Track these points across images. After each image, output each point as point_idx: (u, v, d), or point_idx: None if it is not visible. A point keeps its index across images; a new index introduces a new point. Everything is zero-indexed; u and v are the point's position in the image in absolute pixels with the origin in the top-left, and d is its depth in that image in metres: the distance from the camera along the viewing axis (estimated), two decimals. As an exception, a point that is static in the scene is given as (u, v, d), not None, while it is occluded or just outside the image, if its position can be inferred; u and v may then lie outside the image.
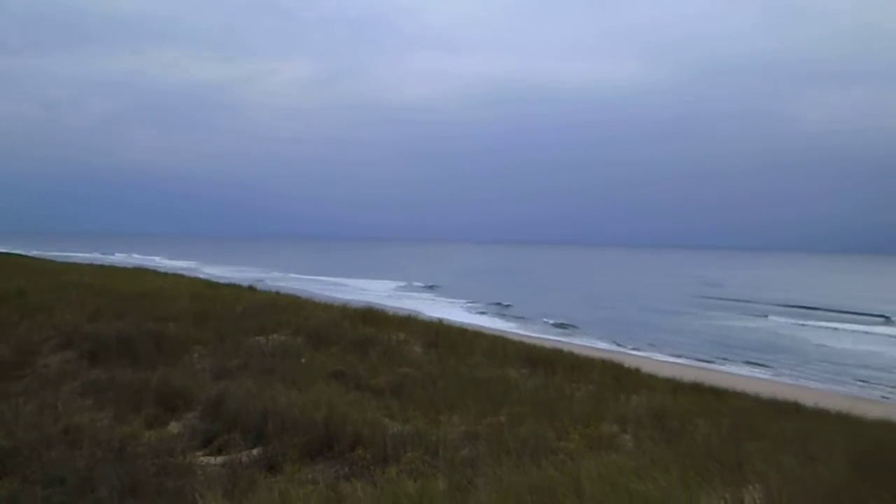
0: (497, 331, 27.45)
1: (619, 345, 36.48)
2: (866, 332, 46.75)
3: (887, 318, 54.90)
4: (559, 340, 31.77)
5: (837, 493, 4.43)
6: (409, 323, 20.55)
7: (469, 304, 57.05)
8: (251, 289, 27.46)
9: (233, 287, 28.13)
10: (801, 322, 51.61)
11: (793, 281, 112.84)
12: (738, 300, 68.21)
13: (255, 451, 8.62)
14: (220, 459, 8.49)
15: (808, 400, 16.31)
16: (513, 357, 17.50)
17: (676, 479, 4.87)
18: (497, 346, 18.77)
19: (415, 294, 66.39)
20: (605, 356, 21.07)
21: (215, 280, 35.58)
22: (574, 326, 44.00)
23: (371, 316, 20.65)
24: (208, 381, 11.94)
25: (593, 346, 33.08)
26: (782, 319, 52.86)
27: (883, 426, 13.35)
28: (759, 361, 33.38)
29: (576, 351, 21.05)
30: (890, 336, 45.11)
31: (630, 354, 29.72)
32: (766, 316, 55.18)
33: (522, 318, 47.12)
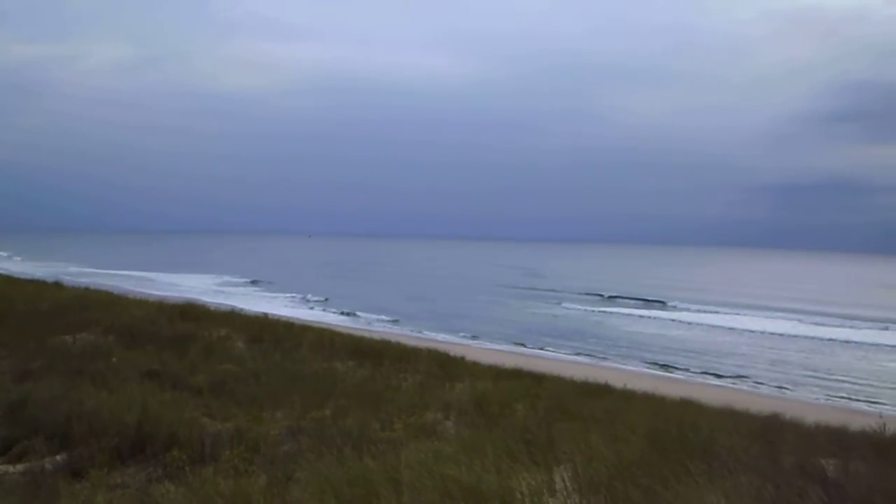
0: (325, 324, 27.23)
1: (445, 334, 37.26)
2: (651, 317, 50.72)
3: (663, 302, 60.26)
4: (387, 331, 32.04)
5: (631, 466, 4.77)
6: (232, 318, 19.96)
7: (297, 298, 56.20)
8: (58, 285, 25.56)
9: (37, 283, 26.03)
10: (599, 308, 55.27)
11: (606, 271, 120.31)
12: (551, 290, 71.72)
13: (59, 457, 8.04)
14: (20, 467, 7.86)
15: (618, 381, 17.40)
16: (340, 350, 17.43)
17: (491, 462, 5.04)
18: (324, 339, 18.62)
19: (239, 289, 64.33)
20: (432, 346, 21.47)
21: (18, 276, 32.79)
22: (401, 317, 44.55)
23: (190, 311, 19.85)
24: (8, 385, 11.01)
25: (420, 335, 33.57)
26: (577, 306, 56.15)
27: (682, 405, 14.51)
28: (572, 346, 35.24)
29: (403, 341, 21.31)
30: (670, 319, 49.11)
31: (456, 343, 30.43)
32: (559, 303, 58.49)
33: (350, 310, 47.08)
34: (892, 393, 26.71)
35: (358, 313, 45.94)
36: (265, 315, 22.62)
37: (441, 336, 35.55)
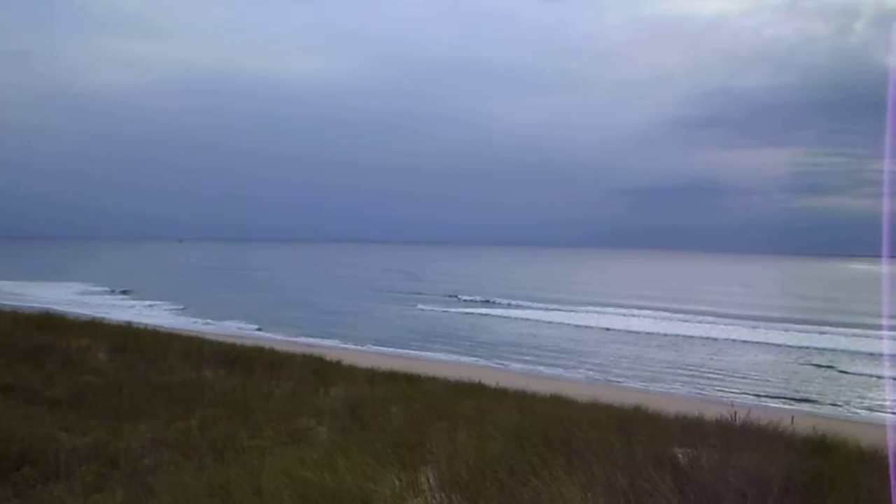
0: (194, 332, 26.36)
1: (322, 338, 36.84)
2: (524, 318, 52.09)
3: (535, 302, 62.28)
4: (260, 338, 31.36)
5: (492, 463, 4.89)
6: (94, 327, 19.02)
7: (163, 306, 54.02)
8: None
9: None
10: (475, 310, 56.24)
11: (482, 273, 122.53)
12: (429, 292, 72.39)
13: None
14: None
15: (491, 380, 17.75)
16: (210, 358, 16.94)
17: (357, 466, 5.03)
18: (193, 347, 18.05)
19: (102, 298, 61.11)
20: (308, 351, 21.22)
21: None
22: (275, 322, 43.71)
23: (48, 322, 18.77)
24: None
25: (296, 341, 33.04)
26: (455, 308, 57.00)
27: (551, 401, 14.96)
28: (450, 348, 35.66)
29: (277, 347, 20.95)
30: (542, 320, 50.56)
31: (333, 348, 30.15)
32: (415, 305, 59.09)
33: (220, 317, 45.73)
34: (744, 383, 28.50)
35: (228, 319, 44.67)
36: (129, 324, 21.67)
37: (317, 341, 35.12)
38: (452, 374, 19.06)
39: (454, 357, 32.52)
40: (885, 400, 26.16)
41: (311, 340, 34.93)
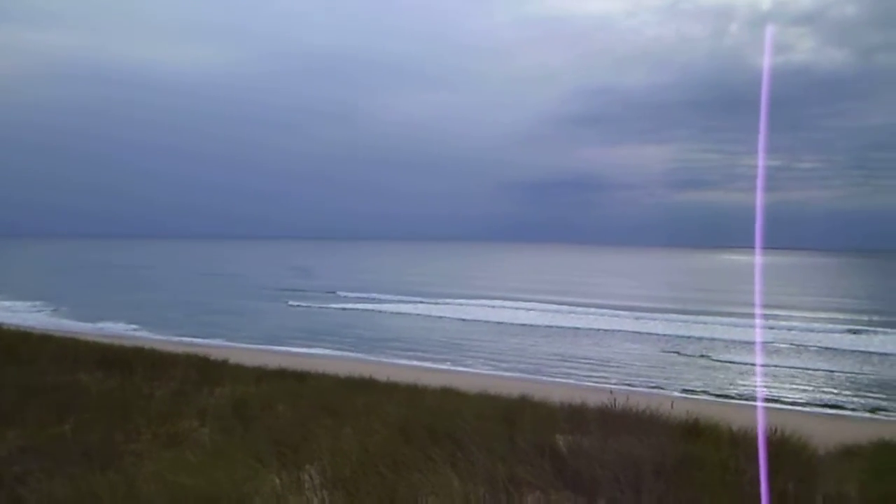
0: (69, 332, 25.10)
1: (206, 338, 35.81)
2: (416, 313, 52.33)
3: (427, 296, 62.77)
4: (142, 338, 30.21)
5: (376, 457, 4.89)
6: (-47, 330, 17.78)
7: (35, 307, 51.15)
8: None
9: None
10: (369, 306, 56.12)
11: (373, 268, 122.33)
12: (321, 289, 71.64)
13: None
14: None
15: (382, 375, 17.71)
16: (86, 360, 16.15)
17: (239, 466, 4.92)
18: (68, 349, 17.18)
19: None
20: (192, 351, 20.58)
21: None
22: (160, 321, 42.20)
23: None
24: None
25: (180, 341, 31.97)
26: (348, 305, 56.58)
27: (441, 393, 15.10)
28: (341, 343, 35.37)
29: (158, 347, 20.22)
30: (434, 314, 50.85)
31: (220, 347, 29.38)
32: (299, 302, 58.29)
33: (95, 318, 43.70)
34: (626, 372, 29.61)
35: (105, 320, 42.76)
36: (-3, 325, 20.42)
37: (201, 340, 34.10)
38: (343, 370, 18.88)
39: (345, 353, 32.28)
40: (755, 385, 27.71)
41: (194, 340, 33.88)
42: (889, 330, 44.03)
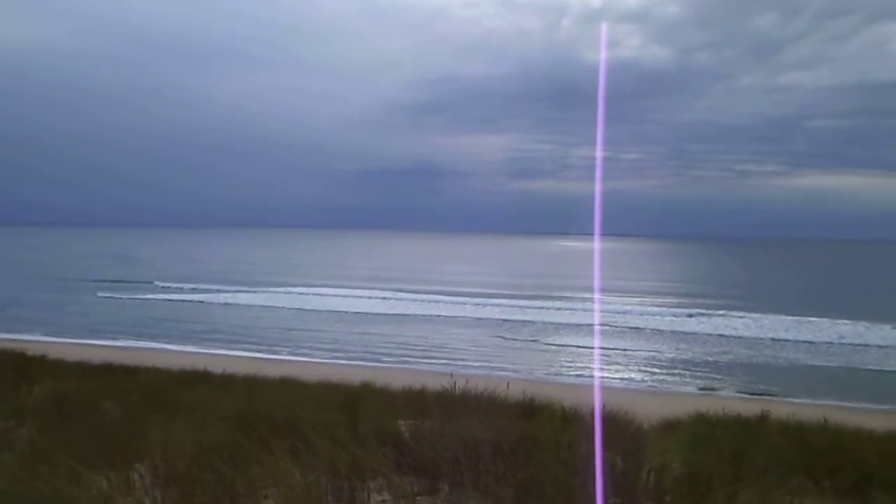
0: None
1: (19, 334, 33.16)
2: (248, 304, 51.19)
3: (260, 285, 61.64)
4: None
5: (211, 452, 4.71)
6: None
7: None
8: None
9: None
10: (189, 297, 54.10)
11: (198, 256, 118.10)
12: (143, 280, 68.33)
13: None
14: None
15: (217, 367, 17.13)
16: None
17: (62, 469, 4.58)
18: None
19: None
20: (5, 346, 19.07)
21: None
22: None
23: None
24: None
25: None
26: (167, 296, 53.87)
27: (281, 384, 14.84)
28: (169, 335, 33.83)
29: (-33, 344, 18.56)
30: (265, 304, 49.70)
31: (36, 341, 27.36)
32: (150, 292, 55.74)
33: None
34: (465, 355, 30.35)
35: None
36: None
37: (14, 336, 31.51)
38: (176, 363, 18.11)
39: (179, 347, 30.94)
40: (587, 366, 29.18)
41: (6, 336, 31.29)
42: (711, 312, 47.74)
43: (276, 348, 31.25)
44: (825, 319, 42.61)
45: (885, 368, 29.03)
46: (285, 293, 55.43)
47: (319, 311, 45.29)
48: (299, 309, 46.31)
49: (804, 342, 35.36)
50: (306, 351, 30.90)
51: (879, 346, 34.10)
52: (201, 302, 49.44)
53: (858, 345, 34.58)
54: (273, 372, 17.50)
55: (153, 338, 33.12)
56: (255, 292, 55.83)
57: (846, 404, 21.84)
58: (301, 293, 55.51)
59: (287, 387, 14.02)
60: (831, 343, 35.07)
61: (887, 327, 39.63)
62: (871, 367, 29.45)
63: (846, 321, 41.83)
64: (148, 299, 50.47)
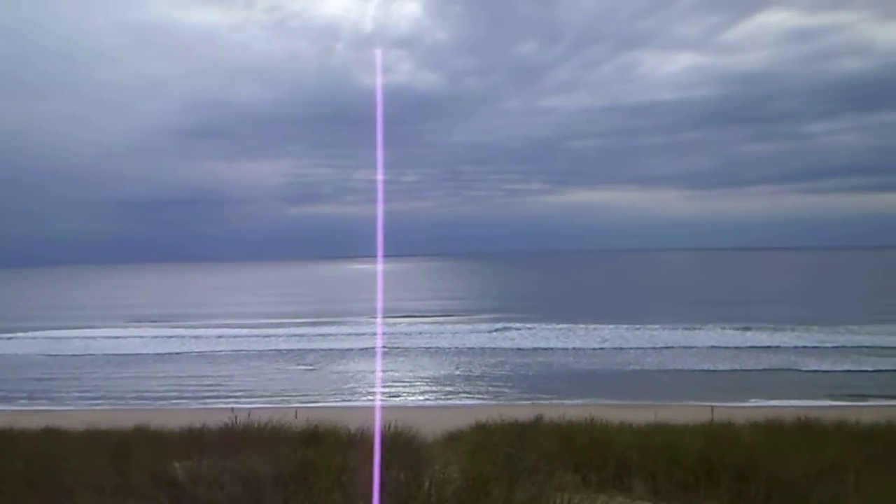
0: None
1: None
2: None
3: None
4: None
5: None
6: None
7: None
8: None
9: None
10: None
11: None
12: None
13: None
14: None
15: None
16: None
17: None
18: None
19: None
20: None
21: None
22: None
23: None
24: None
25: None
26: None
27: (44, 435, 13.57)
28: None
29: None
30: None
31: None
32: None
33: None
34: (246, 389, 29.46)
35: None
36: None
37: None
38: None
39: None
40: (373, 388, 29.37)
41: None
42: (488, 325, 49.90)
43: (35, 398, 28.46)
44: (592, 325, 46.16)
45: (644, 368, 31.97)
46: (44, 338, 50.54)
47: (83, 355, 41.72)
48: (58, 355, 42.35)
49: (573, 349, 38.06)
50: (70, 398, 28.41)
51: (638, 348, 37.51)
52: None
53: (619, 348, 37.81)
54: (32, 424, 15.95)
55: None
56: (6, 339, 50.46)
57: (611, 402, 23.80)
58: (61, 336, 50.80)
59: (49, 438, 12.85)
60: (597, 348, 38.04)
61: (642, 328, 43.80)
62: (632, 366, 32.32)
63: (609, 326, 45.62)
64: None
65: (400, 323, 53.13)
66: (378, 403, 25.40)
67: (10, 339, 50.38)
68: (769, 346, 36.72)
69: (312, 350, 40.76)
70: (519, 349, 38.62)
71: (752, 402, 23.61)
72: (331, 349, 40.83)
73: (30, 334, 52.62)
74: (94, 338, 49.67)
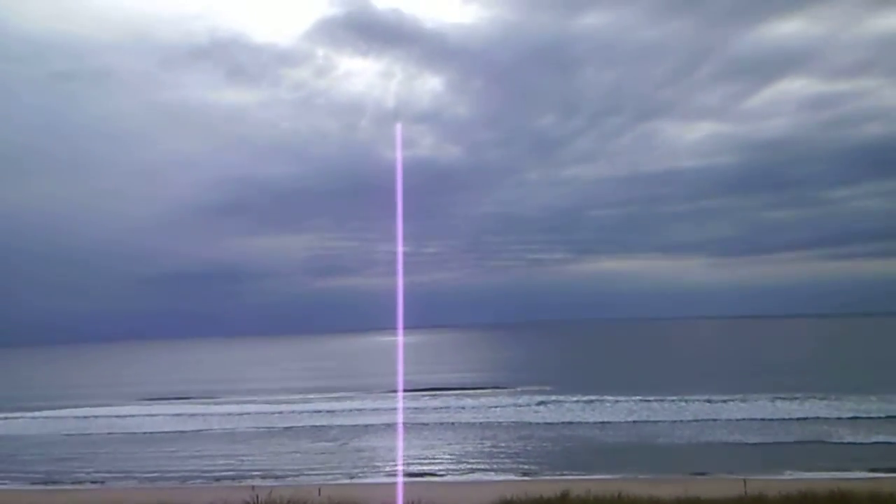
0: None
1: None
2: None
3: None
4: None
5: None
6: None
7: None
8: None
9: None
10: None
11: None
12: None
13: None
14: None
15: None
16: None
17: None
18: None
19: None
20: None
21: None
22: None
23: None
24: None
25: None
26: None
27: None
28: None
29: None
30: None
31: None
32: None
33: None
34: (269, 465, 29.14)
35: None
36: None
37: None
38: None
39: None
40: (397, 464, 28.89)
41: None
42: (512, 399, 49.21)
43: (54, 476, 28.36)
44: (620, 397, 45.24)
45: (674, 442, 31.25)
46: (69, 416, 50.52)
47: (105, 434, 41.63)
48: (82, 434, 42.25)
49: (600, 423, 37.29)
50: (93, 477, 28.26)
51: (668, 421, 36.69)
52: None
53: (649, 421, 37.02)
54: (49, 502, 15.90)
55: None
56: (30, 418, 50.58)
57: (640, 476, 23.25)
58: (85, 415, 50.73)
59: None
60: (623, 422, 37.26)
61: (667, 401, 42.92)
62: (660, 439, 31.62)
63: (636, 398, 44.72)
64: None
65: (423, 396, 52.59)
66: (401, 480, 24.96)
67: (34, 418, 50.51)
68: (799, 418, 35.84)
69: (335, 426, 40.36)
70: (546, 423, 37.95)
71: (787, 475, 22.95)
72: (354, 425, 40.39)
73: (55, 412, 52.72)
74: (118, 416, 49.60)
